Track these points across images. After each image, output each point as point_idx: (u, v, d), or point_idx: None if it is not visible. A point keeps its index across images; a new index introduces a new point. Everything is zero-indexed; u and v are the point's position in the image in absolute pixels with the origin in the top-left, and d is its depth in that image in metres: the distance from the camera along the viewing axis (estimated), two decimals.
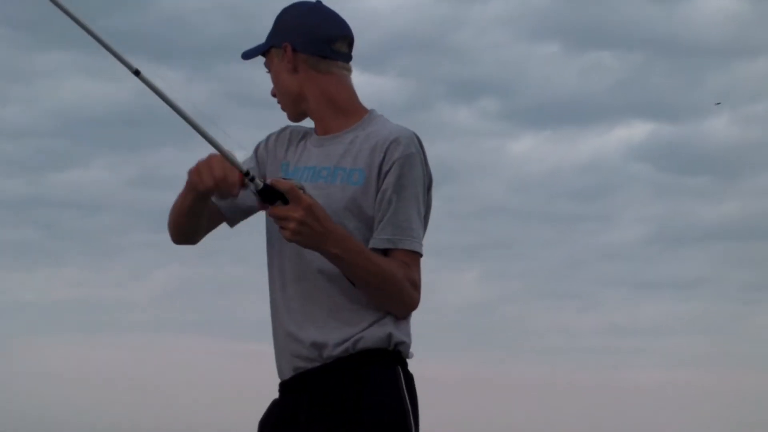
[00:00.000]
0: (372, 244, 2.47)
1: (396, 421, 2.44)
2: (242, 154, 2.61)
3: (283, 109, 2.65)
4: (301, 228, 2.33)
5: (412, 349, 2.56)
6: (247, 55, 2.65)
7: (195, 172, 2.39)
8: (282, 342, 2.54)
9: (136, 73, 2.28)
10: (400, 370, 2.49)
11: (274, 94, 2.66)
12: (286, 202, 2.32)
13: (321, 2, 2.64)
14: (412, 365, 2.57)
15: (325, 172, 2.53)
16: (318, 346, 2.46)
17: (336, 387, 2.45)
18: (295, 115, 2.65)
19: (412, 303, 2.51)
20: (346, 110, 2.59)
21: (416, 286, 2.49)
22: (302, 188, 2.34)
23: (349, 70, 2.62)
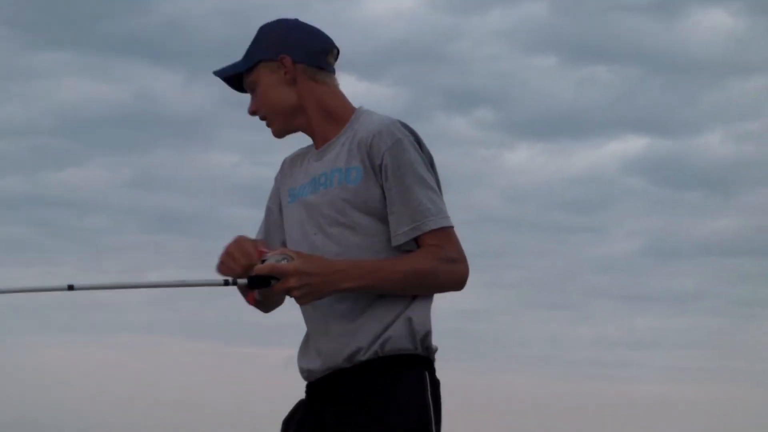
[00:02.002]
0: (396, 241, 2.48)
1: (419, 427, 2.44)
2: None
3: (272, 124, 2.64)
4: (303, 290, 2.38)
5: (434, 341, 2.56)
6: (223, 71, 2.64)
7: (220, 263, 2.49)
8: (311, 346, 2.56)
9: (70, 288, 2.38)
10: (427, 376, 2.50)
11: (253, 112, 2.64)
12: (278, 278, 2.40)
13: (298, 20, 2.65)
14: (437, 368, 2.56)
15: (323, 178, 2.55)
16: (350, 356, 2.48)
17: (363, 390, 2.46)
18: (285, 129, 2.65)
19: (458, 279, 2.50)
20: (339, 117, 2.59)
21: (455, 260, 2.47)
22: (285, 258, 2.41)
23: (337, 81, 2.64)
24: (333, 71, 2.63)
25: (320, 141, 2.62)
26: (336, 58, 2.65)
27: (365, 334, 2.47)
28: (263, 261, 2.44)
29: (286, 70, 2.58)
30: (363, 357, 2.46)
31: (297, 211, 2.60)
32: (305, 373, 2.57)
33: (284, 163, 2.73)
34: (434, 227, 2.47)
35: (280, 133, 2.65)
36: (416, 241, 2.48)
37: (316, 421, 2.52)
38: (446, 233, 2.49)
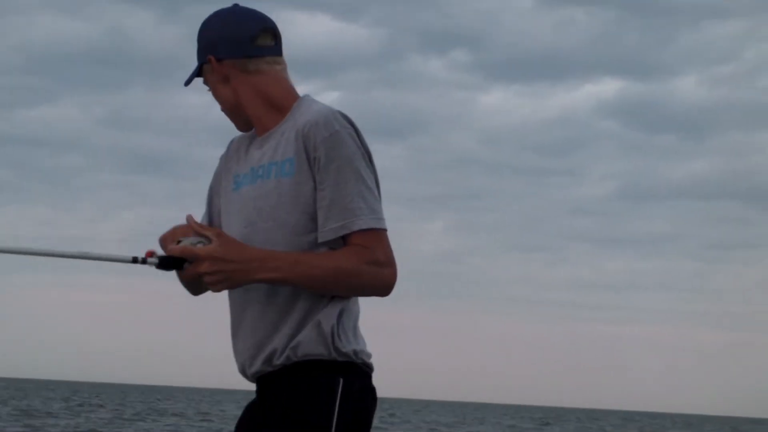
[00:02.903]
0: (322, 237, 2.39)
1: None
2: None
3: (232, 121, 2.60)
4: (215, 276, 2.34)
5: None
6: (187, 81, 2.60)
7: None
8: (236, 349, 2.52)
9: None
10: (341, 383, 2.38)
11: (223, 110, 2.61)
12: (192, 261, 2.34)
13: (237, 4, 2.58)
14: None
15: (261, 170, 2.48)
16: (268, 359, 2.42)
17: (277, 395, 2.42)
18: (242, 125, 2.59)
19: (383, 283, 2.41)
20: (282, 105, 2.52)
21: (381, 263, 2.38)
22: (201, 242, 2.34)
23: (281, 64, 2.55)
24: (273, 52, 2.54)
25: (261, 129, 2.55)
26: (275, 38, 2.55)
27: (279, 336, 2.40)
28: (179, 242, 2.37)
29: (216, 71, 2.53)
30: (278, 361, 2.40)
31: (236, 201, 2.55)
32: (243, 375, 2.54)
33: (231, 144, 2.66)
34: (364, 227, 2.37)
35: (240, 128, 2.61)
36: (344, 240, 2.39)
37: (247, 423, 2.51)
38: (377, 235, 2.39)
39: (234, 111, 2.56)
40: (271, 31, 2.55)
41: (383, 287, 2.42)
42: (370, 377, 2.47)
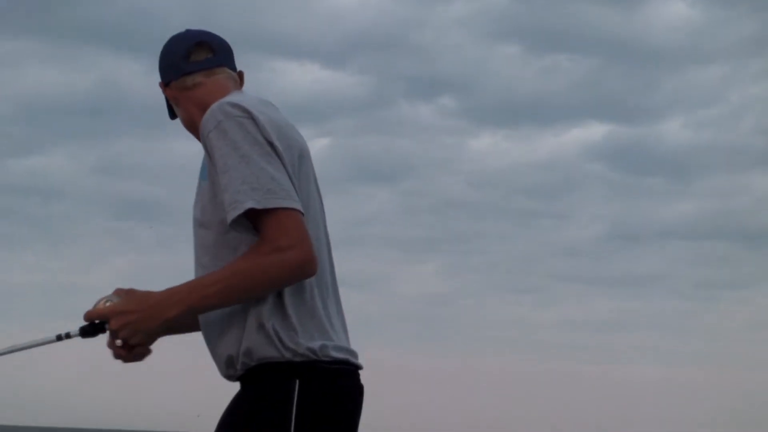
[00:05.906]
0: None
1: None
2: None
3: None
4: (126, 330, 2.25)
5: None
6: (171, 116, 2.63)
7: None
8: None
9: None
10: (297, 384, 2.25)
11: None
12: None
13: (188, 29, 2.59)
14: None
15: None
16: (228, 363, 2.34)
17: (237, 401, 2.34)
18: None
19: (291, 267, 2.21)
20: None
21: (280, 248, 2.18)
22: (109, 300, 2.28)
23: (222, 72, 2.53)
24: (211, 64, 2.53)
25: None
26: (213, 51, 2.54)
27: (226, 340, 2.32)
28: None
29: (168, 96, 2.57)
30: (239, 366, 2.30)
31: None
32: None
33: None
34: (249, 208, 2.19)
35: None
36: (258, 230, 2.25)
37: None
38: (274, 216, 2.20)
39: (191, 130, 2.55)
40: (207, 45, 2.54)
41: (294, 270, 2.22)
42: (344, 375, 2.33)
